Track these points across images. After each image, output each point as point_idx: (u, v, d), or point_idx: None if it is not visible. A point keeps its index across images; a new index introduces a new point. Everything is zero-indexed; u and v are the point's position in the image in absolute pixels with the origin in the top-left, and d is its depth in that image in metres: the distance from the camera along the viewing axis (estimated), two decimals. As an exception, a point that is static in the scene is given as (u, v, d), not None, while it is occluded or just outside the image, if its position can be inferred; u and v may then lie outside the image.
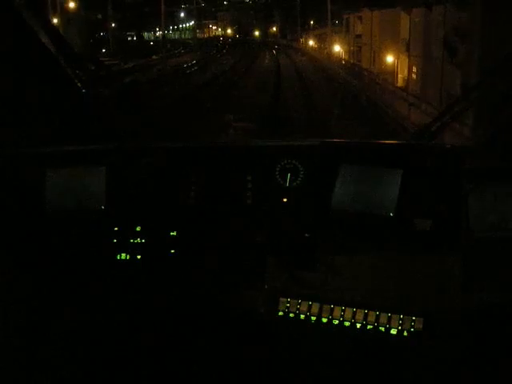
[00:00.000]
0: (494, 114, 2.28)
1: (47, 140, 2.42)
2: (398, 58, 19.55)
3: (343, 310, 2.01)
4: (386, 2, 20.86)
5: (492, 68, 2.19)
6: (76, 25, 28.50)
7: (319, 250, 2.13)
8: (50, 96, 2.36)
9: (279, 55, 40.14)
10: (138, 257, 2.23)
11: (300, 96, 17.53)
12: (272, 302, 2.09)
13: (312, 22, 49.73)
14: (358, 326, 1.99)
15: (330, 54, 33.13)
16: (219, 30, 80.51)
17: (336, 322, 2.02)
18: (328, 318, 2.02)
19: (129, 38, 52.91)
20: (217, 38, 70.19)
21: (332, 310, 2.02)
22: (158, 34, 61.34)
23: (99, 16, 37.05)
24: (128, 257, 2.23)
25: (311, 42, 46.15)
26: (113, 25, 38.50)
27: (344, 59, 30.00)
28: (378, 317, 1.97)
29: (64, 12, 26.78)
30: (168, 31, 64.61)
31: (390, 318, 1.96)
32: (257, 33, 68.23)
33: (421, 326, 1.94)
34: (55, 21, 24.80)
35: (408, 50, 18.04)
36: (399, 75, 19.47)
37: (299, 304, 2.06)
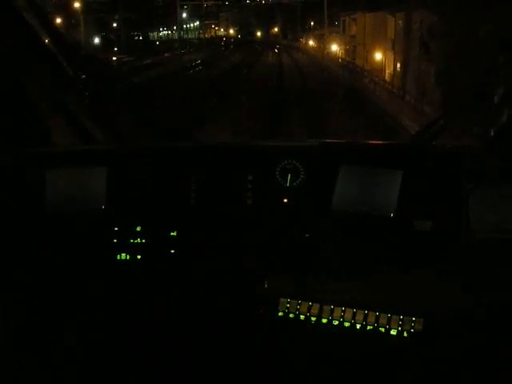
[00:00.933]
0: (494, 114, 2.21)
1: (47, 140, 2.42)
2: (385, 56, 22.07)
3: (343, 311, 1.99)
4: (377, 6, 23.17)
5: (492, 69, 2.14)
6: (89, 26, 30.69)
7: (319, 251, 2.12)
8: (51, 96, 2.37)
9: (281, 53, 42.88)
10: (138, 257, 2.23)
11: (297, 80, 22.24)
12: (272, 302, 2.07)
13: (312, 23, 51.68)
14: (358, 326, 1.97)
15: (327, 53, 35.45)
16: (221, 30, 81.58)
17: (336, 322, 1.99)
18: (328, 319, 2.00)
19: (135, 38, 54.52)
20: (220, 38, 70.99)
21: (332, 310, 2.00)
22: (161, 34, 62.88)
23: (101, 15, 38.39)
24: (128, 257, 2.23)
25: (311, 42, 47.53)
26: (114, 25, 39.70)
27: (340, 57, 32.29)
28: (377, 317, 1.95)
29: (76, 13, 29.00)
30: (172, 31, 65.96)
31: (389, 319, 1.94)
32: (259, 33, 69.03)
33: (421, 327, 1.91)
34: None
35: (393, 48, 20.51)
36: (387, 71, 21.85)
37: (299, 304, 2.03)
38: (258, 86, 19.15)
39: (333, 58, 33.17)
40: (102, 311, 2.20)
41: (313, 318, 2.01)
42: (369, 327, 1.95)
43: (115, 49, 39.43)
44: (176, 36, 69.46)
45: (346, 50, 31.84)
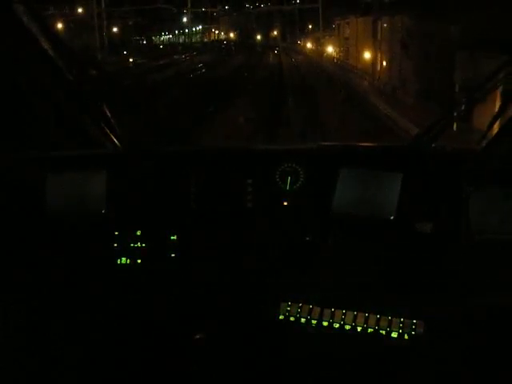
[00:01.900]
0: (493, 117, 2.14)
1: (48, 144, 2.45)
2: (374, 55, 24.41)
3: (344, 314, 1.99)
4: (367, 11, 25.65)
5: (493, 71, 2.10)
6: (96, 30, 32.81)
7: (320, 253, 2.13)
8: (51, 100, 2.37)
9: (280, 54, 45.87)
10: (139, 261, 2.23)
11: (296, 75, 26.00)
12: (273, 305, 2.07)
13: (310, 26, 53.88)
14: (359, 329, 1.96)
15: (323, 54, 38.15)
16: (222, 33, 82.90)
17: (337, 325, 1.98)
18: (329, 322, 1.99)
19: (139, 42, 56.17)
20: (220, 41, 71.54)
21: (333, 313, 2.00)
22: (162, 39, 64.39)
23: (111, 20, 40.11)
24: (128, 261, 2.23)
25: (309, 45, 49.92)
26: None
27: (335, 58, 35.08)
28: (378, 320, 1.96)
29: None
30: (173, 35, 67.25)
31: (390, 321, 1.95)
32: (258, 36, 69.71)
33: (421, 329, 1.91)
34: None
35: (380, 48, 23.00)
36: (376, 67, 24.17)
37: (300, 307, 2.03)
38: (264, 78, 24.56)
39: (328, 58, 36.08)
40: (102, 314, 2.20)
41: (313, 321, 2.00)
42: (369, 330, 1.94)
43: (124, 52, 41.86)
44: (177, 40, 71.05)
45: (341, 51, 34.43)
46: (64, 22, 30.10)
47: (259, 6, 62.46)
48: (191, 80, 23.53)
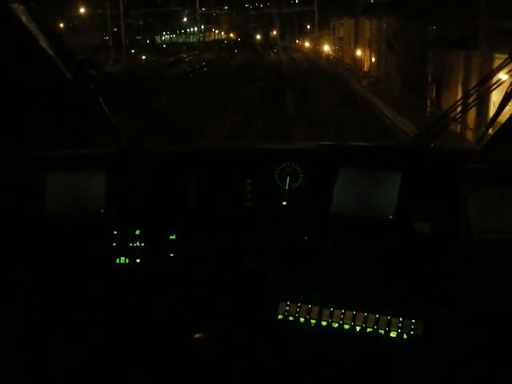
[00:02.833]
0: (493, 116, 2.15)
1: (47, 144, 2.43)
2: (365, 52, 26.90)
3: (343, 313, 1.99)
4: (359, 13, 27.74)
5: (492, 70, 2.08)
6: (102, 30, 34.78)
7: (318, 253, 2.13)
8: (50, 100, 2.36)
9: (280, 52, 48.60)
10: (138, 260, 2.22)
11: (293, 69, 29.65)
12: (271, 305, 2.07)
13: (309, 26, 56.04)
14: (358, 328, 1.96)
15: (320, 52, 40.51)
16: (222, 33, 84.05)
17: (336, 325, 1.98)
18: (328, 321, 1.99)
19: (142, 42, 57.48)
20: (221, 41, 71.95)
21: (332, 313, 2.00)
22: (163, 38, 64.06)
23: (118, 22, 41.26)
24: (127, 260, 2.22)
25: (307, 44, 51.78)
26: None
27: (330, 55, 37.50)
28: (377, 320, 1.96)
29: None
30: (175, 35, 67.28)
31: (389, 321, 1.95)
32: (258, 36, 70.01)
33: (420, 329, 1.91)
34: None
35: (370, 46, 25.39)
36: (365, 64, 26.78)
37: (299, 307, 2.03)
38: (268, 69, 29.61)
39: (324, 55, 38.56)
40: (101, 314, 2.21)
41: (312, 321, 2.02)
42: (368, 329, 1.96)
43: (132, 51, 43.64)
44: (178, 39, 72.01)
45: (336, 50, 36.77)
46: (76, 22, 32.01)
47: (258, 7, 64.36)
48: (205, 72, 27.64)
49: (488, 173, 2.08)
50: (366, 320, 2.00)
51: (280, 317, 2.08)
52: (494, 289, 1.99)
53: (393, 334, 1.96)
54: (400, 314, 1.98)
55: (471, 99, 2.22)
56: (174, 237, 2.23)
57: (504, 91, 2.07)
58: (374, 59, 24.97)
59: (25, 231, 2.26)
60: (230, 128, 12.39)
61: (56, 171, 2.28)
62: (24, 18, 2.07)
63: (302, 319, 2.06)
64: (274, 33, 65.98)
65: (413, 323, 1.96)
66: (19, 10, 2.05)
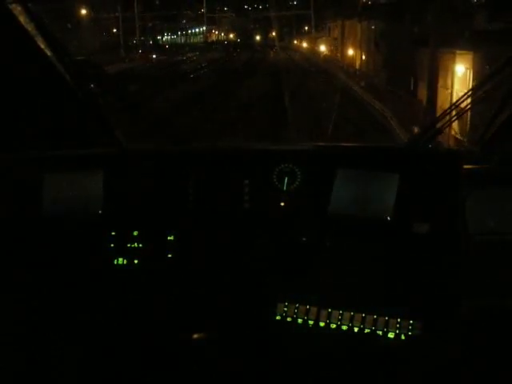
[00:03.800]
0: (491, 117, 2.18)
1: (45, 144, 2.41)
2: (356, 52, 29.05)
3: (341, 314, 1.99)
4: (352, 15, 29.96)
5: (491, 71, 2.09)
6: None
7: (317, 254, 2.13)
8: (49, 101, 2.35)
9: (278, 52, 50.89)
10: (136, 261, 2.21)
11: (291, 66, 32.17)
12: (270, 306, 2.07)
13: (306, 28, 57.48)
14: (356, 329, 1.96)
15: (316, 51, 42.72)
16: (222, 34, 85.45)
17: (334, 325, 1.98)
18: (326, 322, 1.99)
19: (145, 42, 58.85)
20: (221, 42, 71.88)
21: (330, 313, 2.00)
22: (164, 39, 63.77)
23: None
24: (125, 261, 2.21)
25: (304, 44, 53.39)
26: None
27: (325, 54, 39.70)
28: (375, 320, 1.97)
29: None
30: (176, 36, 67.73)
31: (387, 322, 1.95)
32: (257, 37, 69.61)
33: (418, 330, 1.92)
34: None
35: (360, 46, 27.53)
36: (357, 62, 28.99)
37: (297, 308, 2.03)
38: (267, 65, 33.16)
39: (320, 55, 40.75)
40: (100, 315, 2.20)
41: (310, 322, 2.02)
42: (366, 330, 1.97)
43: (139, 51, 44.04)
44: (179, 40, 73.18)
45: (331, 49, 38.94)
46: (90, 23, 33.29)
47: (257, 8, 66.01)
48: (214, 68, 30.44)
49: (486, 173, 2.09)
50: (363, 321, 2.01)
51: (278, 317, 2.10)
52: (493, 289, 2.00)
53: (391, 335, 1.97)
54: (398, 314, 1.99)
55: (468, 101, 2.20)
56: (172, 237, 2.23)
57: (503, 91, 2.11)
58: (363, 57, 27.31)
59: (23, 231, 2.25)
60: (253, 83, 21.71)
61: (55, 171, 2.26)
62: (22, 19, 2.07)
63: (300, 320, 2.07)
64: (273, 34, 67.12)
65: (411, 324, 1.97)
66: (17, 10, 2.06)
